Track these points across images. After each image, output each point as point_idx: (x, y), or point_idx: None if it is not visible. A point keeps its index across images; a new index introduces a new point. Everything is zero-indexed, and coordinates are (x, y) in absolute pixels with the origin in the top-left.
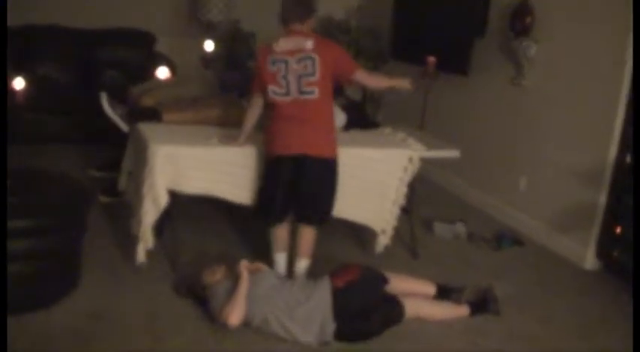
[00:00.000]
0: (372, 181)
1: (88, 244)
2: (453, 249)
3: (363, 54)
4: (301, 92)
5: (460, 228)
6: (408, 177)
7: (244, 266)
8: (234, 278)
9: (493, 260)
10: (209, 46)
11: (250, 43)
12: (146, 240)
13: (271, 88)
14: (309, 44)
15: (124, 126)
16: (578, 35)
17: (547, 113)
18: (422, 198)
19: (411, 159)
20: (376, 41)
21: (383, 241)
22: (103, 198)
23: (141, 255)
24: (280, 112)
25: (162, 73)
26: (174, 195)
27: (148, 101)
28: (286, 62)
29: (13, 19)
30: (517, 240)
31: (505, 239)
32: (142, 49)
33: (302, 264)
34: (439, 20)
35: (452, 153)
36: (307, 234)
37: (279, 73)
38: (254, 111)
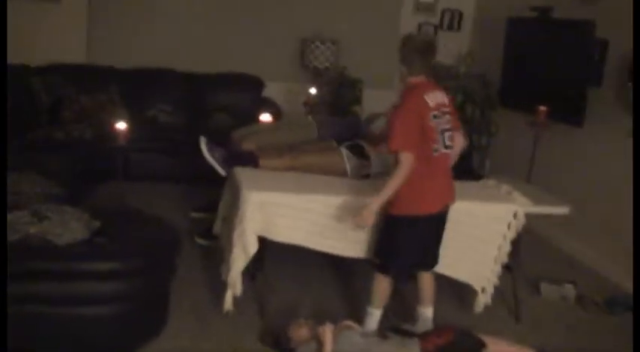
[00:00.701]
0: (473, 237)
1: (177, 287)
2: (560, 312)
3: (470, 100)
4: (446, 146)
5: (569, 290)
6: (512, 234)
7: (329, 331)
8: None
9: (602, 326)
10: (312, 91)
11: (356, 89)
12: (234, 287)
13: (432, 143)
14: (445, 98)
15: (221, 171)
16: None
17: None
18: (529, 254)
19: (515, 215)
20: (485, 87)
21: (482, 300)
22: (200, 241)
23: (228, 303)
24: (432, 169)
25: (265, 117)
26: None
27: (248, 145)
28: (439, 117)
29: (125, 62)
30: (630, 306)
31: (617, 303)
32: (250, 94)
33: (430, 311)
34: (552, 67)
35: (561, 210)
36: (429, 280)
37: (437, 128)
38: (408, 174)
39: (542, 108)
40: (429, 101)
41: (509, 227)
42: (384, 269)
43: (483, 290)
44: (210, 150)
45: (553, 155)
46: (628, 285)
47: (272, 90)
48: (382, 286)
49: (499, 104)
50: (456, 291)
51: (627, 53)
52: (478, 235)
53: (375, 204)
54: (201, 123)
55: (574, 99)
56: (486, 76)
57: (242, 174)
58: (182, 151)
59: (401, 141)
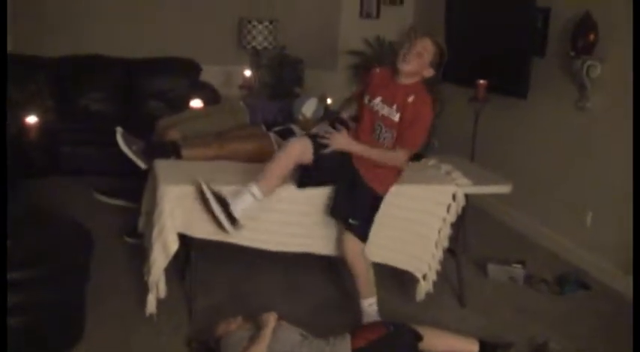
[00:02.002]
0: (411, 221)
1: (100, 293)
2: (509, 294)
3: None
4: None
5: (517, 270)
6: (452, 217)
7: (274, 316)
8: (254, 329)
9: (554, 307)
10: (247, 73)
11: (297, 69)
12: (157, 290)
13: None
14: None
15: (140, 163)
16: None
17: (615, 140)
18: (475, 234)
19: (454, 197)
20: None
21: (424, 288)
22: (128, 239)
23: (151, 306)
24: None
25: (196, 103)
26: None
27: (171, 135)
28: None
29: (52, 50)
30: (582, 283)
31: (569, 282)
32: (186, 79)
33: (367, 302)
34: (494, 38)
35: (503, 188)
36: (363, 269)
37: None
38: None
39: (482, 81)
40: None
41: (448, 209)
42: (362, 231)
43: (425, 277)
44: (127, 141)
45: (498, 129)
46: (578, 261)
47: (210, 74)
48: (363, 267)
49: (442, 79)
50: (397, 278)
51: (570, 21)
52: (416, 219)
53: (353, 146)
54: (136, 112)
55: (517, 71)
56: None
57: (161, 166)
58: (116, 142)
59: (418, 143)
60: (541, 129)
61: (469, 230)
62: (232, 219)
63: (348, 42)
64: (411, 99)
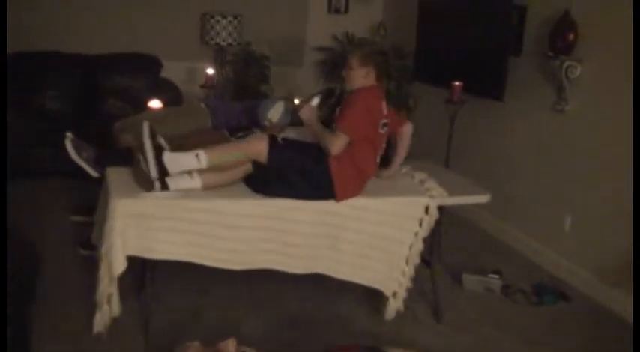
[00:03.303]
0: (380, 236)
1: (51, 310)
2: (485, 306)
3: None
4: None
5: (494, 281)
6: (424, 231)
7: (232, 343)
8: None
9: (532, 320)
10: (209, 71)
11: (263, 66)
12: (104, 309)
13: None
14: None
15: (92, 172)
16: (628, 54)
17: (594, 143)
18: (448, 240)
19: (427, 209)
20: (400, 60)
21: (394, 305)
22: (82, 251)
23: (98, 324)
24: (363, 168)
25: (154, 103)
26: None
27: (126, 139)
28: (384, 127)
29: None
30: (561, 294)
31: (547, 292)
32: (146, 76)
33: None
34: (469, 37)
35: (480, 199)
36: None
37: (382, 139)
38: (334, 151)
39: (457, 83)
40: (383, 108)
41: (420, 223)
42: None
43: (395, 294)
44: (77, 148)
45: (473, 132)
46: (556, 269)
47: (171, 71)
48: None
49: (415, 78)
50: (371, 295)
51: (547, 19)
52: (386, 234)
53: (312, 121)
54: (94, 111)
55: (493, 71)
56: (401, 48)
57: (114, 176)
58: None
59: (349, 126)
60: (518, 132)
61: (441, 236)
62: (162, 168)
63: (315, 38)
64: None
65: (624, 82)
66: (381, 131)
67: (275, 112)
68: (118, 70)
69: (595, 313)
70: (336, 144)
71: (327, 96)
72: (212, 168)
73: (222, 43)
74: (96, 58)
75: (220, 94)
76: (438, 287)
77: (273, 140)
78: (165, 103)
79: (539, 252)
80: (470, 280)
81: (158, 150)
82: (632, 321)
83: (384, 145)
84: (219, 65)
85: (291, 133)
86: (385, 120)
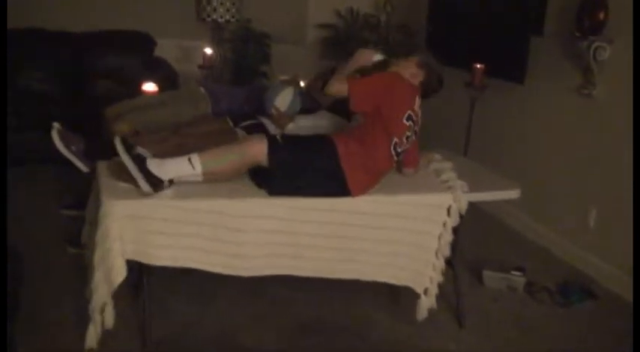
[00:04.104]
0: (405, 230)
1: (36, 319)
2: (508, 306)
3: (394, 53)
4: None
5: (516, 279)
6: (453, 220)
7: None
8: None
9: (559, 322)
10: (208, 51)
11: (263, 45)
12: (97, 321)
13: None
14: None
15: (82, 166)
16: None
17: (622, 130)
18: (467, 234)
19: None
20: (410, 38)
21: (426, 304)
22: (71, 250)
23: (91, 339)
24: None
25: (149, 87)
26: None
27: (121, 127)
28: (414, 121)
29: None
30: (588, 292)
31: (573, 291)
32: (139, 55)
33: None
34: (486, 14)
35: (510, 194)
36: None
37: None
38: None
39: (479, 65)
40: (413, 101)
41: (448, 212)
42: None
43: (426, 291)
44: (65, 140)
45: (492, 118)
46: (582, 265)
47: (165, 50)
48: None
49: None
50: (392, 297)
51: None
52: (411, 227)
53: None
54: (83, 92)
55: (514, 51)
56: (409, 26)
57: (105, 173)
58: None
59: (358, 82)
60: (540, 118)
61: (460, 230)
62: (150, 177)
63: (318, 14)
64: None
65: None
66: (405, 122)
67: (283, 100)
68: (108, 49)
69: (624, 311)
70: (334, 84)
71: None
72: (209, 174)
73: (219, 20)
74: (84, 36)
75: (219, 75)
76: (461, 290)
77: (272, 141)
78: (160, 85)
79: (562, 246)
80: (491, 277)
81: (139, 161)
82: None
83: (405, 141)
84: (216, 43)
85: (302, 121)
86: (412, 114)
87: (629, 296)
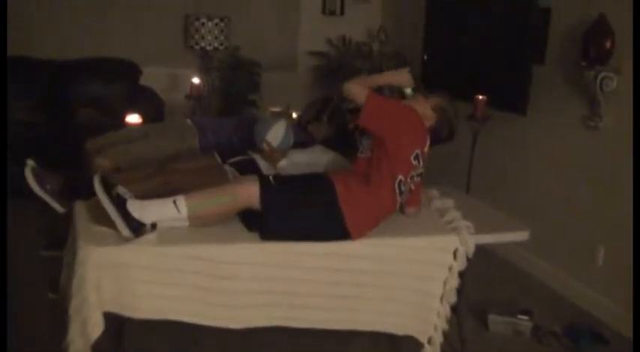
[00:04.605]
0: (408, 275)
1: None
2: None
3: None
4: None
5: (523, 323)
6: (460, 264)
7: None
8: None
9: None
10: (195, 80)
11: (253, 73)
12: None
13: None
14: None
15: (57, 207)
16: None
17: (629, 164)
18: (470, 274)
19: (463, 243)
20: (403, 67)
21: None
22: (52, 295)
23: None
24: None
25: (133, 118)
26: None
27: (101, 163)
28: (420, 162)
29: None
30: (598, 336)
31: (583, 335)
32: (123, 83)
33: None
34: (485, 42)
35: (519, 236)
36: None
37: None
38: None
39: (481, 97)
40: (424, 141)
41: (454, 255)
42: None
43: (430, 340)
44: (39, 178)
45: (495, 152)
46: (590, 306)
47: (151, 78)
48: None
49: (422, 89)
50: (395, 346)
51: (575, 24)
52: (414, 271)
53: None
54: (66, 122)
55: (514, 81)
56: (404, 54)
57: (83, 215)
58: (42, 157)
59: (377, 99)
60: (543, 152)
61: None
62: (131, 221)
63: (309, 42)
64: None
65: None
66: (413, 161)
67: (275, 134)
68: (91, 77)
69: None
70: (354, 87)
71: (323, 106)
72: (195, 218)
73: (207, 48)
74: (67, 64)
75: (207, 105)
76: (466, 336)
77: (264, 182)
78: (146, 115)
79: (569, 286)
80: (497, 321)
81: (119, 203)
82: None
83: (410, 181)
84: (204, 72)
85: (296, 157)
86: (420, 154)
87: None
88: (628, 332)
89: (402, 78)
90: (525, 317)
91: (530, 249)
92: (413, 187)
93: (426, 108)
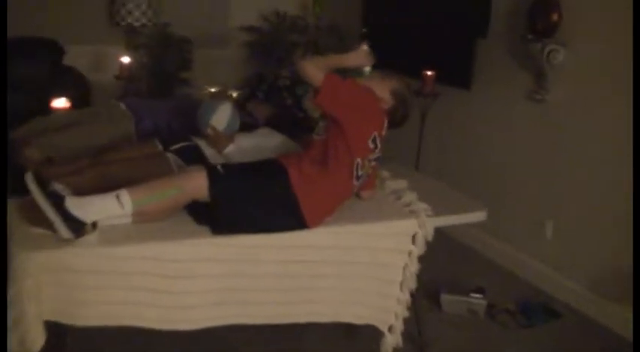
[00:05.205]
0: (366, 263)
1: None
2: (471, 332)
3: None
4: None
5: (477, 301)
6: (419, 249)
7: None
8: None
9: (523, 345)
10: (125, 59)
11: (184, 50)
12: None
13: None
14: None
15: None
16: (619, 35)
17: (577, 136)
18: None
19: (422, 226)
20: (340, 41)
21: (391, 341)
22: None
23: None
24: (333, 182)
25: (59, 103)
26: None
27: (32, 154)
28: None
29: None
30: (550, 310)
31: (535, 310)
32: (46, 63)
33: None
34: (427, 14)
35: (477, 216)
36: None
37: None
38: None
39: (429, 73)
40: (382, 124)
41: (413, 240)
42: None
43: (391, 328)
44: None
45: (441, 128)
46: (541, 281)
47: (75, 57)
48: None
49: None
50: (353, 336)
51: None
52: (373, 258)
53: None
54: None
55: (458, 55)
56: (341, 27)
57: (15, 214)
58: None
59: (332, 78)
60: (490, 127)
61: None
62: (71, 220)
63: (240, 16)
64: None
65: (615, 67)
66: (370, 145)
67: (220, 118)
68: (11, 58)
69: (590, 330)
70: (310, 66)
71: (258, 82)
72: (140, 214)
73: (135, 24)
74: None
75: (137, 86)
76: (422, 319)
77: (212, 172)
78: (73, 97)
79: (519, 261)
80: (450, 301)
81: (56, 200)
82: (630, 336)
83: (367, 164)
84: (132, 50)
85: (244, 141)
86: (378, 138)
87: (589, 311)
88: (578, 305)
89: (362, 59)
90: (479, 296)
91: (478, 225)
92: (370, 172)
93: (383, 92)
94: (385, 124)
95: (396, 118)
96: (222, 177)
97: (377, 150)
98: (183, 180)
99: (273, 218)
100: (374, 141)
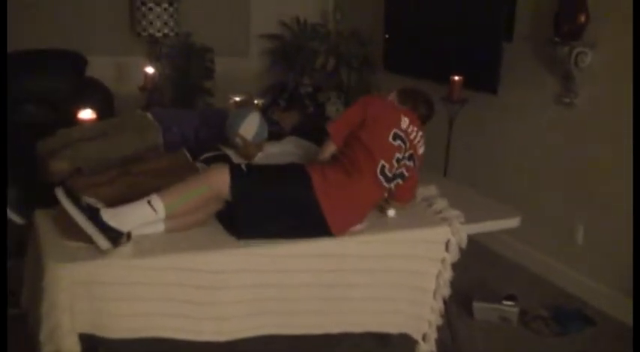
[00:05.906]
0: (399, 271)
1: None
2: (504, 340)
3: (346, 63)
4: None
5: (509, 309)
6: (453, 256)
7: None
8: None
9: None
10: (149, 70)
11: (206, 59)
12: None
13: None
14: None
15: (16, 218)
16: None
17: (607, 140)
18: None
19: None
20: (362, 47)
21: (425, 350)
22: (11, 310)
23: None
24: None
25: (86, 114)
26: None
27: (58, 166)
28: (403, 141)
29: None
30: (586, 318)
31: (570, 318)
32: (68, 75)
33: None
34: (449, 19)
35: (511, 223)
36: None
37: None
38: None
39: (457, 78)
40: (397, 117)
41: (447, 247)
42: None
43: (425, 337)
44: None
45: (466, 133)
46: (573, 287)
47: (98, 68)
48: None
49: (384, 69)
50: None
51: None
52: (406, 266)
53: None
54: (10, 121)
55: (484, 59)
56: (362, 33)
57: (45, 226)
58: None
59: (332, 125)
60: (516, 131)
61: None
62: (108, 231)
63: (261, 24)
64: None
65: None
66: (393, 142)
67: (249, 127)
68: (32, 70)
69: (626, 335)
70: (322, 149)
71: (280, 90)
72: (174, 215)
73: (156, 34)
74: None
75: (161, 97)
76: (457, 328)
77: (235, 169)
78: (96, 109)
79: (551, 267)
80: (482, 309)
81: (92, 213)
82: None
83: (396, 164)
84: (154, 60)
85: (271, 149)
86: (401, 133)
87: (623, 317)
88: (612, 311)
89: None
90: (511, 303)
91: (507, 231)
92: (406, 172)
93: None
94: (403, 119)
95: (420, 110)
96: (245, 174)
97: (405, 147)
98: (208, 177)
99: (295, 222)
100: (397, 137)
